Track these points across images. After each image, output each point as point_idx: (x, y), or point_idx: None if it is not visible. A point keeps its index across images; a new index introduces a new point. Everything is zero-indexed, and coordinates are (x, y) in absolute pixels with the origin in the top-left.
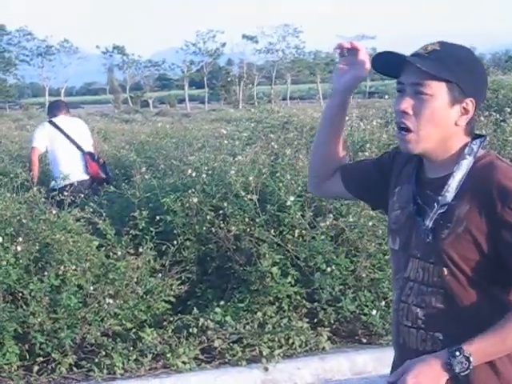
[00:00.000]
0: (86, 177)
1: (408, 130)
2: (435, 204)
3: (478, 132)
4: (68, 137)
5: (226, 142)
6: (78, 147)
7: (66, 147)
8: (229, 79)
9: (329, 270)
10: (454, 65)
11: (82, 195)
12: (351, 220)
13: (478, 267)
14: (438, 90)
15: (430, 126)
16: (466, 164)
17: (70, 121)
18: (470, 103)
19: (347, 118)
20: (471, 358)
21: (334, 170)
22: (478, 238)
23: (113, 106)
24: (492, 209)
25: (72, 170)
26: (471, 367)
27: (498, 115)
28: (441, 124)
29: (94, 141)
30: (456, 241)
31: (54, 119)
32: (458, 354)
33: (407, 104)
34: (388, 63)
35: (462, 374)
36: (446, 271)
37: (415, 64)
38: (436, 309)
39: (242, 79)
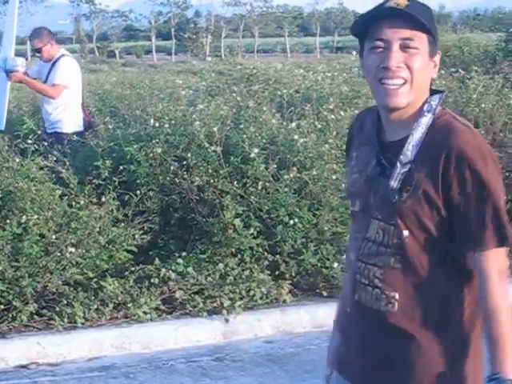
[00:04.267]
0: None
1: (405, 81)
2: (398, 164)
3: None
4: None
5: (183, 92)
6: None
7: (78, 94)
8: (196, 31)
9: (291, 222)
10: (428, 18)
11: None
12: (315, 173)
13: (437, 230)
14: (423, 43)
15: (420, 78)
16: (425, 122)
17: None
18: (438, 56)
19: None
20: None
21: None
22: (436, 201)
23: (79, 56)
24: (447, 172)
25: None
26: None
27: (463, 72)
28: (426, 77)
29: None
30: (415, 203)
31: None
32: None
33: (399, 59)
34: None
35: None
36: (406, 233)
37: (415, 15)
38: (394, 269)
39: (209, 31)
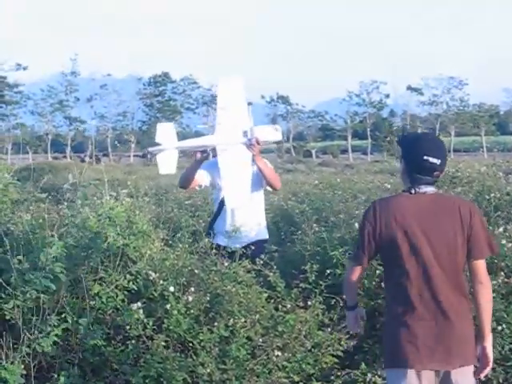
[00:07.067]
0: None
1: None
2: None
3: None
4: None
5: (388, 195)
6: None
7: None
8: (391, 130)
9: (499, 328)
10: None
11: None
12: None
13: None
14: None
15: None
16: None
17: None
18: (402, 161)
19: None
20: None
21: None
22: None
23: (276, 156)
24: None
25: None
26: None
27: None
28: None
29: None
30: None
31: None
32: None
33: None
34: None
35: None
36: None
37: None
38: None
39: (405, 131)
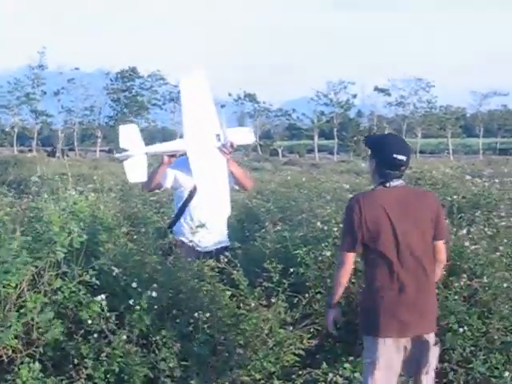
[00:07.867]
0: None
1: None
2: None
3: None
4: None
5: (350, 195)
6: None
7: None
8: (359, 130)
9: (461, 330)
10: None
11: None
12: (485, 281)
13: None
14: None
15: None
16: None
17: None
18: (373, 160)
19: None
20: None
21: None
22: None
23: (242, 154)
24: None
25: None
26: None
27: None
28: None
29: None
30: None
31: None
32: None
33: None
34: None
35: None
36: None
37: None
38: None
39: (371, 131)
